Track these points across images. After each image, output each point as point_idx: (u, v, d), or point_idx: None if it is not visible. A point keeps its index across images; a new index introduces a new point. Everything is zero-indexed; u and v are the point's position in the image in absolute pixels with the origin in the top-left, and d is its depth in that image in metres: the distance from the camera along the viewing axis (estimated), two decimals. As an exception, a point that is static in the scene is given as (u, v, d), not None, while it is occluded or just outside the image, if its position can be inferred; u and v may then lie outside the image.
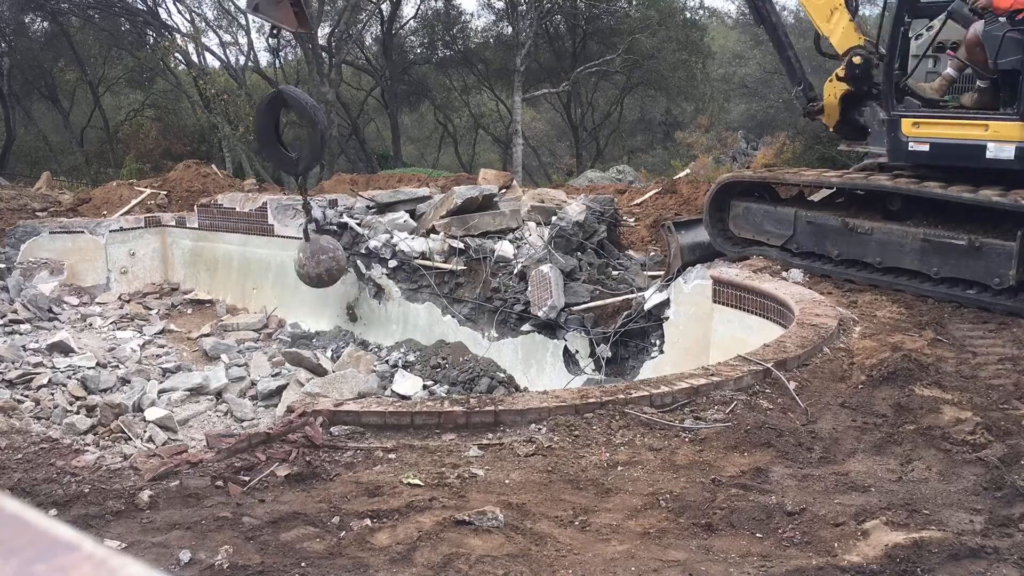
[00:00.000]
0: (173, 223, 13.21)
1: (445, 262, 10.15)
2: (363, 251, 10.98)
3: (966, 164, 6.76)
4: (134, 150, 28.55)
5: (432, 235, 10.65)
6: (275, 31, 9.29)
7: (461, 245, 10.28)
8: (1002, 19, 6.46)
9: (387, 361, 10.00)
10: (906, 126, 7.07)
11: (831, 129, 8.34)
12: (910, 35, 7.39)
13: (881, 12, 7.86)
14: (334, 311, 11.27)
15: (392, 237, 10.71)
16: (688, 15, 29.04)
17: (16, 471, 4.05)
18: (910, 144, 7.02)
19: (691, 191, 13.28)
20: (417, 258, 10.35)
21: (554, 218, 10.93)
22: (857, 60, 7.64)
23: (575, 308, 9.12)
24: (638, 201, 13.67)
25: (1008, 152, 6.46)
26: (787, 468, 3.99)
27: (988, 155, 6.55)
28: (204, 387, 9.10)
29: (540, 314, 9.06)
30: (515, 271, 9.92)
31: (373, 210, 11.52)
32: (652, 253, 11.14)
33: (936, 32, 7.17)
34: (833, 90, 7.93)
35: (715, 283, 7.57)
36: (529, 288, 9.33)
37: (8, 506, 0.69)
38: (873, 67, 7.78)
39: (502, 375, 9.42)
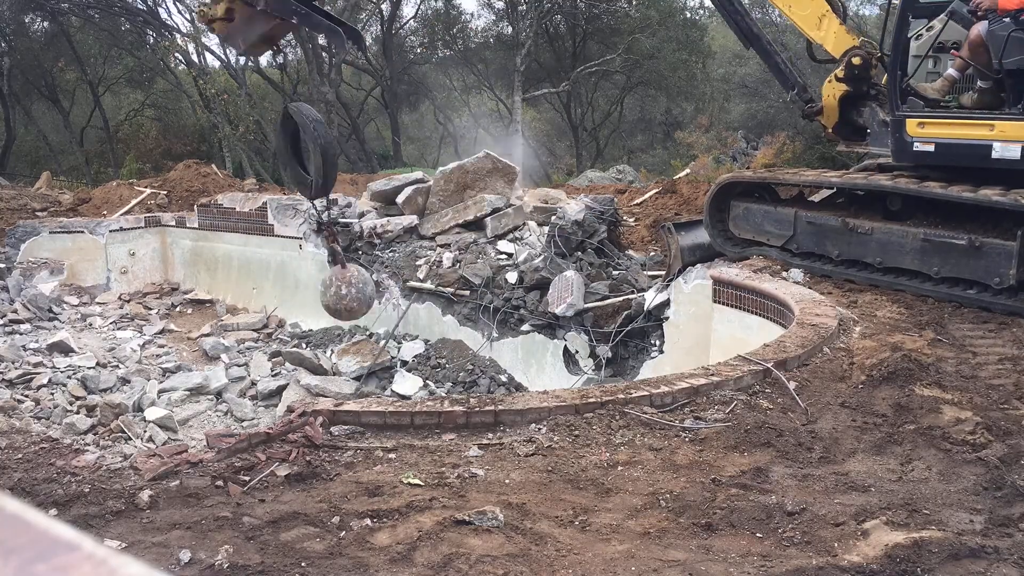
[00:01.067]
0: (173, 223, 13.21)
1: (454, 293, 10.14)
2: (363, 252, 10.99)
3: (972, 164, 6.73)
4: (134, 150, 28.55)
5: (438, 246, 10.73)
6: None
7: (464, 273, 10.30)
8: (1006, 19, 6.45)
9: (398, 351, 9.99)
10: (911, 126, 7.03)
11: (829, 130, 8.32)
12: (909, 35, 7.38)
13: (885, 12, 7.82)
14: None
15: (395, 254, 10.83)
16: (688, 15, 29.06)
17: (16, 471, 4.05)
18: (915, 144, 6.99)
19: (691, 191, 13.28)
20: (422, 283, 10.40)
21: (553, 217, 10.95)
22: (857, 60, 7.63)
23: (587, 305, 9.13)
24: (638, 201, 13.68)
25: (1014, 152, 6.45)
26: (787, 468, 3.99)
27: (994, 155, 6.54)
28: (204, 387, 9.10)
29: (558, 311, 9.05)
30: (513, 276, 9.92)
31: (374, 213, 11.56)
32: (652, 253, 11.14)
33: (937, 33, 7.16)
34: (832, 91, 7.92)
35: (715, 283, 7.57)
36: (551, 291, 9.34)
37: (8, 506, 0.69)
38: (872, 67, 7.77)
39: (502, 376, 9.42)
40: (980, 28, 6.65)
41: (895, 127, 7.14)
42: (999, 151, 6.51)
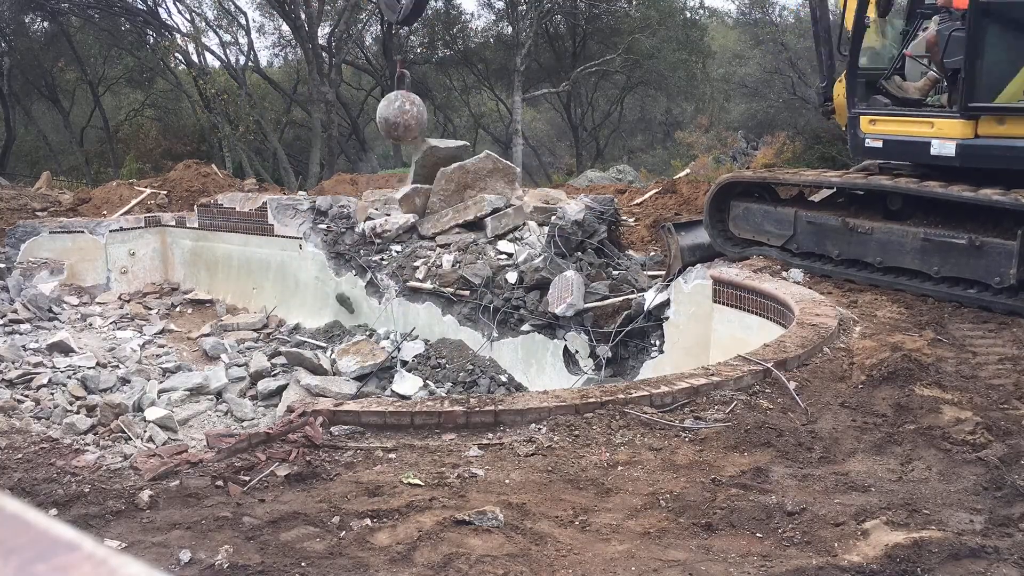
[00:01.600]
0: (173, 223, 13.21)
1: (454, 293, 10.12)
2: (364, 254, 10.99)
3: (913, 160, 7.02)
4: (134, 150, 28.57)
5: (439, 247, 10.73)
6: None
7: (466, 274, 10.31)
8: (958, 20, 6.59)
9: (398, 349, 9.97)
10: (864, 123, 7.30)
11: (843, 128, 8.36)
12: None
13: (842, 12, 7.93)
14: (334, 310, 11.27)
15: (395, 256, 10.85)
16: (688, 15, 29.05)
17: (16, 471, 4.05)
18: (867, 141, 7.27)
19: (691, 191, 13.29)
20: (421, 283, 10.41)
21: (553, 217, 10.95)
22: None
23: (587, 305, 9.12)
24: (638, 201, 13.69)
25: (950, 149, 6.60)
26: (787, 468, 3.99)
27: (932, 151, 6.72)
28: (204, 387, 9.10)
29: (558, 311, 9.05)
30: (513, 276, 9.91)
31: (375, 213, 11.56)
32: (652, 253, 11.15)
33: (914, 31, 7.31)
34: (842, 90, 7.96)
35: (715, 283, 7.57)
36: (551, 291, 9.33)
37: (8, 506, 0.69)
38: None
39: (502, 376, 9.42)
40: (935, 28, 6.82)
41: (851, 123, 7.43)
42: (936, 148, 6.66)
